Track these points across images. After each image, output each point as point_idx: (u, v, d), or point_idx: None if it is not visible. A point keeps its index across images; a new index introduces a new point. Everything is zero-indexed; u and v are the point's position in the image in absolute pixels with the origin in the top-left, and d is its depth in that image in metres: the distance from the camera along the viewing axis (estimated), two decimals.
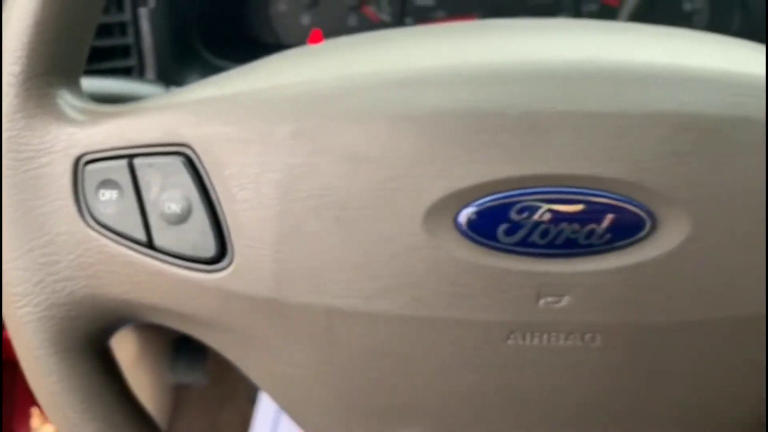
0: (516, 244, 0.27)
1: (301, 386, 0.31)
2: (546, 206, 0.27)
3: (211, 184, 0.29)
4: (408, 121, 0.27)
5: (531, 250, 0.27)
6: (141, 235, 0.30)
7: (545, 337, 0.28)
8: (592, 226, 0.27)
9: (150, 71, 0.52)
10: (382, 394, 0.30)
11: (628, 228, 0.27)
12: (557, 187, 0.27)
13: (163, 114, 0.29)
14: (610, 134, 0.27)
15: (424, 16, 0.65)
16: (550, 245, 0.27)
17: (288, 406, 0.33)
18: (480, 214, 0.27)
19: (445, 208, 0.27)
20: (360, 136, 0.27)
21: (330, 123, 0.27)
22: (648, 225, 0.27)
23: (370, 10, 0.65)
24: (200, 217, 0.29)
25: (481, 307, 0.28)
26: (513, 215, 0.27)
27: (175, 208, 0.29)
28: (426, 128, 0.27)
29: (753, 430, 0.32)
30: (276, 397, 0.32)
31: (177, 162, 0.29)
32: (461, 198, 0.27)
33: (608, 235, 0.27)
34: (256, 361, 0.32)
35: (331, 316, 0.29)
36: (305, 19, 0.66)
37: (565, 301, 0.28)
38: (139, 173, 0.29)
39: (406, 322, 0.28)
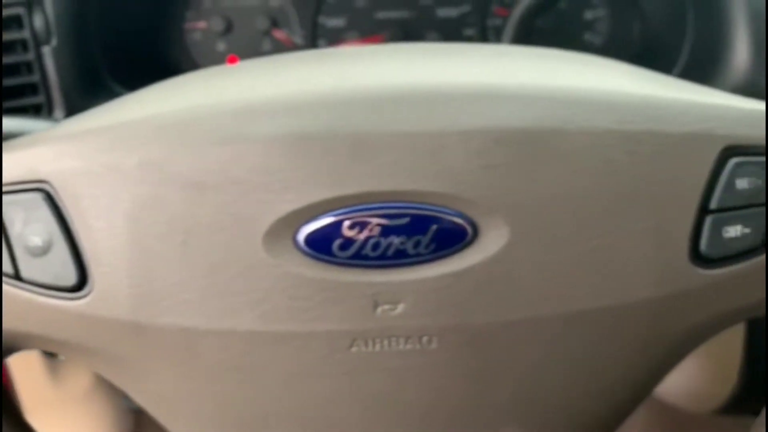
0: (351, 257, 0.29)
1: (171, 402, 0.33)
2: (375, 221, 0.29)
3: (69, 216, 0.30)
4: (242, 148, 0.29)
5: (365, 262, 0.29)
6: (9, 268, 0.31)
7: (386, 342, 0.30)
8: (419, 237, 0.29)
9: (58, 107, 0.54)
10: (244, 405, 0.32)
11: (452, 237, 0.29)
12: (384, 203, 0.29)
13: (26, 152, 0.31)
14: (430, 151, 0.29)
15: (335, 37, 0.67)
16: (382, 257, 0.29)
17: (164, 421, 0.34)
18: (315, 232, 0.29)
19: (282, 228, 0.29)
20: (199, 164, 0.29)
21: (171, 153, 0.29)
22: (470, 233, 0.29)
23: (282, 34, 0.67)
24: (61, 248, 0.31)
25: (323, 319, 0.30)
26: (346, 231, 0.29)
27: (37, 240, 0.31)
28: (259, 154, 0.29)
29: (601, 427, 0.35)
30: (153, 412, 0.34)
31: (38, 197, 0.31)
32: (297, 218, 0.29)
33: (434, 245, 0.29)
34: (129, 381, 0.33)
35: (188, 335, 0.30)
36: (221, 46, 0.68)
37: (401, 307, 0.30)
38: (5, 210, 0.31)
39: (256, 337, 0.30)
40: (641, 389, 0.34)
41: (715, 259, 0.31)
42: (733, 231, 0.31)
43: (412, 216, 0.29)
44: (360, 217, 0.29)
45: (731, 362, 0.72)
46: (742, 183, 0.31)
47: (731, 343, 0.70)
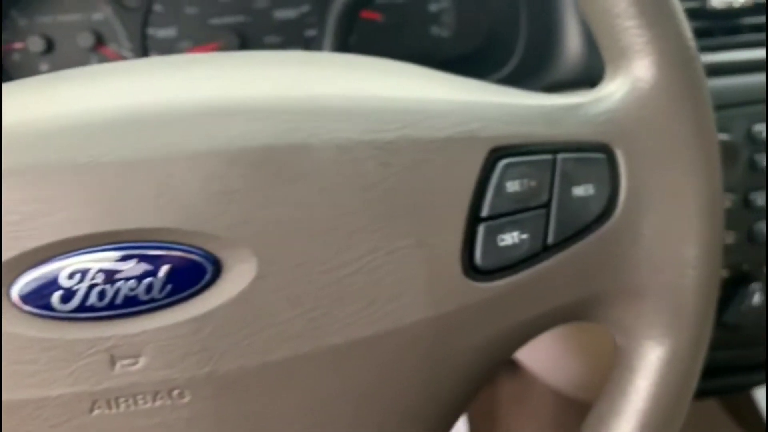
0: (74, 310, 0.26)
1: None
2: (96, 266, 0.25)
3: None
4: None
5: (92, 314, 0.26)
6: None
7: (131, 401, 0.27)
8: (150, 280, 0.26)
9: None
10: None
11: (190, 277, 0.26)
12: (104, 245, 0.25)
13: None
14: (155, 181, 0.25)
15: (168, 48, 0.63)
16: (111, 306, 0.26)
17: None
18: (29, 285, 0.25)
19: None
20: None
21: None
22: (210, 270, 0.26)
23: (109, 50, 0.63)
24: None
25: (55, 382, 0.26)
26: (64, 281, 0.25)
27: None
28: None
29: None
30: None
31: None
32: (6, 271, 0.25)
33: (169, 287, 0.26)
34: None
35: None
36: (44, 66, 0.63)
37: (142, 361, 0.26)
38: None
39: None
40: (451, 406, 0.31)
41: (492, 270, 0.29)
42: (510, 238, 0.28)
43: (140, 257, 0.26)
44: (79, 263, 0.25)
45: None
46: (513, 186, 0.28)
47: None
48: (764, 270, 0.59)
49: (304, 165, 0.26)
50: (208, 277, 0.26)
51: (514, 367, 0.84)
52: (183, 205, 0.25)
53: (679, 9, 0.30)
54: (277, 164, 0.26)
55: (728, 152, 0.53)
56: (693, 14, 0.53)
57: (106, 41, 0.62)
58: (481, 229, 0.28)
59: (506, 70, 0.58)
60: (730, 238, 0.56)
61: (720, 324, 0.61)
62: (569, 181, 0.29)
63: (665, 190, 0.30)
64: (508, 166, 0.28)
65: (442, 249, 0.28)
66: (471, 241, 0.28)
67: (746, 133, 0.54)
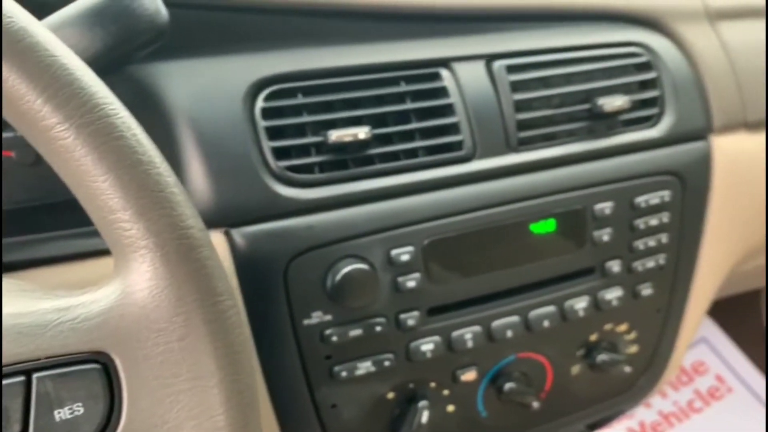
0: None
1: None
2: None
3: None
4: None
5: None
6: None
7: None
8: None
9: None
10: None
11: None
12: None
13: None
14: None
15: None
16: None
17: None
18: None
19: None
20: None
21: None
22: None
23: None
24: None
25: None
26: None
27: None
28: None
29: None
30: None
31: None
32: None
33: None
34: None
35: None
36: None
37: None
38: None
39: None
40: None
41: None
42: None
43: None
44: None
45: None
46: None
47: None
48: (431, 386, 0.60)
49: None
50: None
51: None
52: None
53: (177, 192, 0.27)
54: None
55: (369, 279, 0.53)
56: (318, 147, 0.54)
57: None
58: None
59: None
60: (389, 362, 0.56)
61: None
62: (49, 405, 0.25)
63: (180, 388, 0.27)
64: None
65: None
66: None
67: (385, 258, 0.54)
